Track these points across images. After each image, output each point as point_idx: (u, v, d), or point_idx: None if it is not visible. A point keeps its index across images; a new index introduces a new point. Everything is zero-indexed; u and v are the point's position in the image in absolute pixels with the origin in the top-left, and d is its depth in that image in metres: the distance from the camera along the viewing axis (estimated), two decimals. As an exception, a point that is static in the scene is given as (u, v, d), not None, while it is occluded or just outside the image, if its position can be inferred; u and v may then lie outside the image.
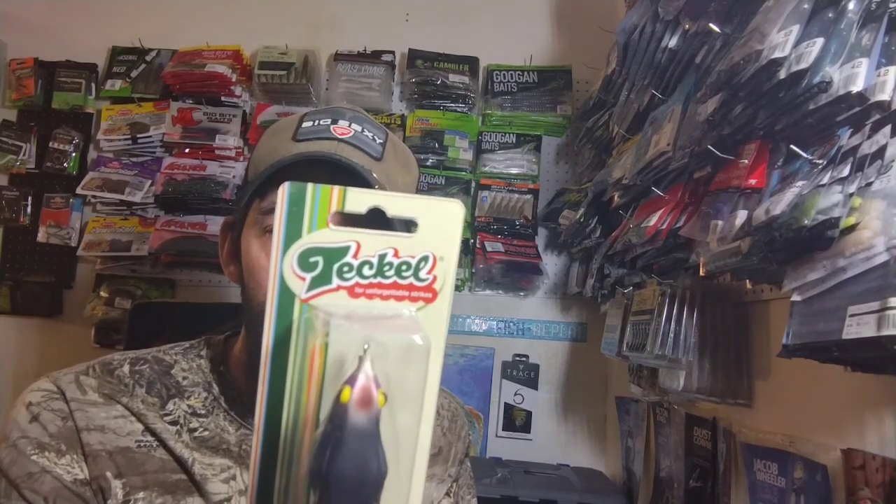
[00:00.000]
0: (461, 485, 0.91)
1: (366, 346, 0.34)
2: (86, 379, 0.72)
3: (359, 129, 0.72)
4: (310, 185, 0.35)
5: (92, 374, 0.73)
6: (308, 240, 0.36)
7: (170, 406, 0.73)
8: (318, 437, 0.34)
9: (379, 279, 0.37)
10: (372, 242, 0.36)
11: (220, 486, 0.70)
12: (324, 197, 0.35)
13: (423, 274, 0.37)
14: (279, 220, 0.35)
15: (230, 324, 0.83)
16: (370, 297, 0.37)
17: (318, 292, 0.36)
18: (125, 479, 0.68)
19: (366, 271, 0.36)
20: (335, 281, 0.36)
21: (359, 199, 0.36)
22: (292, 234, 0.35)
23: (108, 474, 0.68)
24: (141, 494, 0.68)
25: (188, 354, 0.78)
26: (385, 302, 0.37)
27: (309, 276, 0.36)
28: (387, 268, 0.36)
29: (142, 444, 0.70)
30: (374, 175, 0.69)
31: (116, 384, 0.72)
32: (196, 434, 0.72)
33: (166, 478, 0.69)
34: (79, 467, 0.68)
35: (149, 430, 0.71)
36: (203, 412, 0.74)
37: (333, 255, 0.36)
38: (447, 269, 0.37)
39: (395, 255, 0.36)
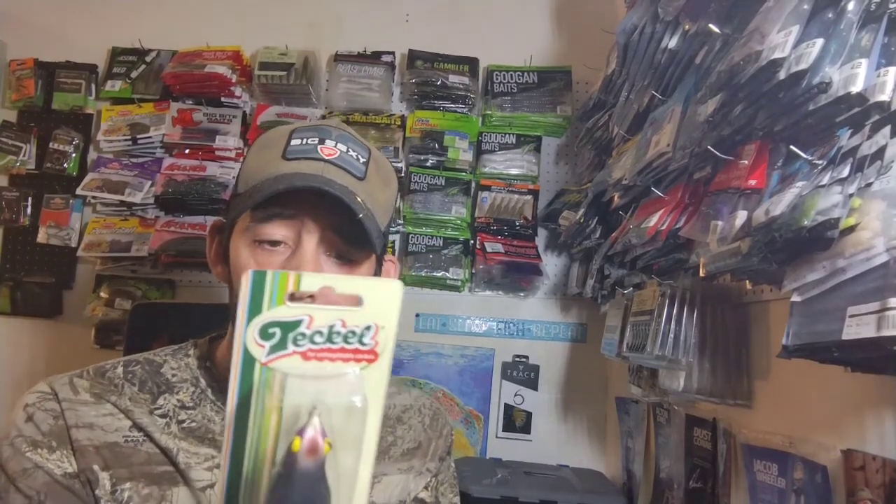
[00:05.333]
0: (441, 481, 0.95)
1: (315, 406, 0.41)
2: (79, 381, 0.79)
3: (344, 148, 0.76)
4: (269, 273, 0.42)
5: (86, 376, 0.80)
6: (267, 315, 0.42)
7: (160, 401, 0.79)
8: (274, 477, 0.41)
9: (329, 345, 0.43)
10: (323, 316, 0.43)
11: (204, 474, 0.76)
12: (282, 281, 0.43)
13: (367, 340, 0.44)
14: (243, 300, 0.42)
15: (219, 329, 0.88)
16: (321, 359, 0.43)
17: (275, 357, 0.43)
18: (112, 471, 0.74)
19: (317, 339, 0.43)
20: (290, 347, 0.43)
21: (311, 281, 0.43)
22: (254, 310, 0.42)
23: (95, 467, 0.74)
24: (127, 485, 0.74)
25: (177, 355, 0.85)
26: (333, 364, 0.43)
27: (268, 344, 0.43)
28: (336, 336, 0.43)
29: (129, 439, 0.76)
30: (358, 197, 0.73)
31: (107, 385, 0.79)
32: (184, 425, 0.78)
33: (152, 469, 0.75)
34: (68, 461, 0.74)
35: (136, 425, 0.77)
36: (191, 405, 0.80)
37: (289, 326, 0.43)
38: (388, 336, 0.44)
39: (343, 325, 0.43)
